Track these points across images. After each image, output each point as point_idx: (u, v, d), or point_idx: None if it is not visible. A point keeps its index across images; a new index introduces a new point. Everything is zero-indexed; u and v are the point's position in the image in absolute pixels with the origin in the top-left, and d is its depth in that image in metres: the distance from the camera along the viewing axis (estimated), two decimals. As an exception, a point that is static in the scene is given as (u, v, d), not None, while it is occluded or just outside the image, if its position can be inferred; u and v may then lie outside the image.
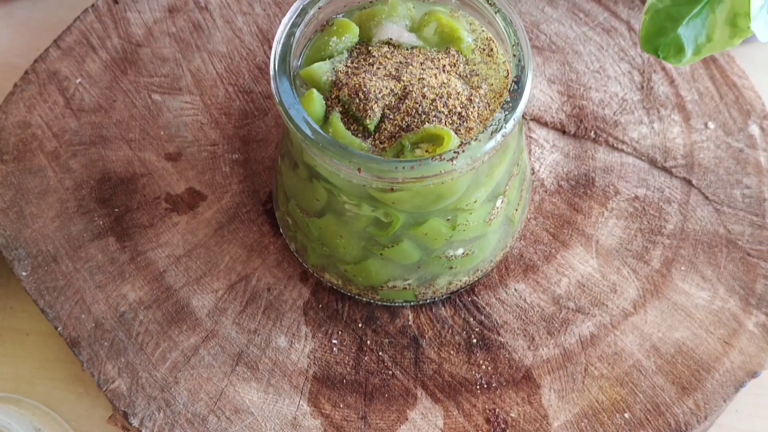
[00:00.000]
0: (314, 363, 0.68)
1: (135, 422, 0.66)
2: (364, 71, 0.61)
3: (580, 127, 0.74)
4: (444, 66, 0.61)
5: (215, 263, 0.71)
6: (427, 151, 0.59)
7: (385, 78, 0.60)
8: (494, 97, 0.61)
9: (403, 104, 0.60)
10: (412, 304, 0.69)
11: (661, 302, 0.70)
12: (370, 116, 0.60)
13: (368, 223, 0.62)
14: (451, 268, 0.66)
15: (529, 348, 0.68)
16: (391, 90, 0.60)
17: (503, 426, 0.66)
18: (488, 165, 0.61)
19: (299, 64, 0.63)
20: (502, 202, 0.64)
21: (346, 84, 0.60)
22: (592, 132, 0.74)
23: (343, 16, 0.63)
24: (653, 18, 0.65)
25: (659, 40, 0.65)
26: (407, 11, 0.63)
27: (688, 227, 0.72)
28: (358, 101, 0.60)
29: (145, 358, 0.68)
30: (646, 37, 0.65)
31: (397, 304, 0.69)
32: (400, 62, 0.61)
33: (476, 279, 0.69)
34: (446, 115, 0.60)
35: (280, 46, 0.61)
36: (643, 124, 0.75)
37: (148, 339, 0.68)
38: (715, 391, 0.67)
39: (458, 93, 0.60)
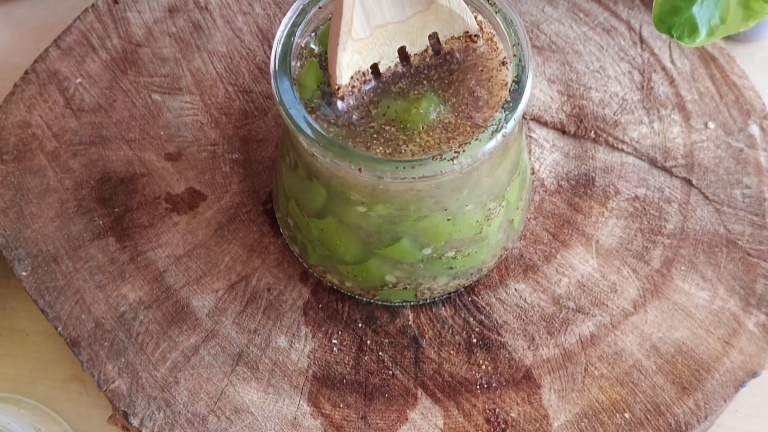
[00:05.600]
0: (314, 363, 0.68)
1: (135, 422, 0.66)
2: None
3: (580, 127, 0.75)
4: None
5: (215, 263, 0.71)
6: None
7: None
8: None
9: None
10: (412, 304, 0.69)
11: (661, 302, 0.70)
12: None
13: (375, 221, 0.62)
14: (451, 268, 0.66)
15: (529, 348, 0.68)
16: None
17: (503, 426, 0.66)
18: (488, 165, 0.61)
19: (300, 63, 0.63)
20: (502, 202, 0.64)
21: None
22: (592, 132, 0.74)
23: None
24: None
25: (673, 20, 0.64)
26: None
27: (688, 227, 0.72)
28: None
29: (145, 358, 0.68)
30: (659, 16, 0.65)
31: (397, 304, 0.69)
32: None
33: (476, 279, 0.69)
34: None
35: (280, 46, 0.61)
36: (643, 124, 0.75)
37: (148, 339, 0.68)
38: (715, 391, 0.67)
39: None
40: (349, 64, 0.59)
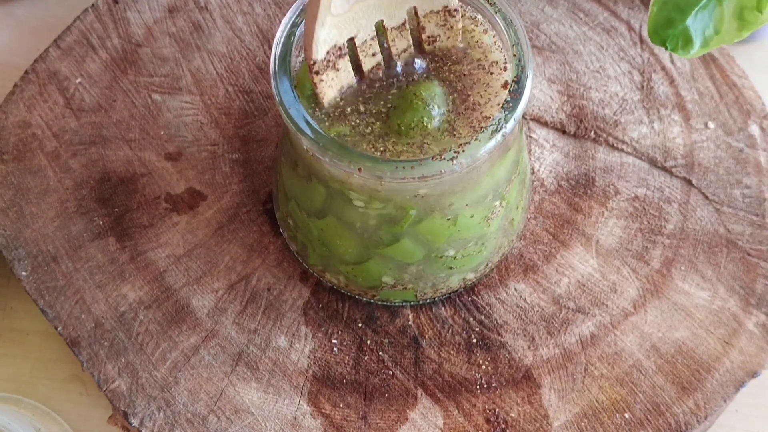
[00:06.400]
0: (314, 363, 0.68)
1: (135, 422, 0.66)
2: None
3: (580, 127, 0.75)
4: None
5: (215, 263, 0.71)
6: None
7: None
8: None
9: None
10: (412, 304, 0.69)
11: (661, 302, 0.70)
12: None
13: (375, 221, 0.62)
14: (451, 268, 0.66)
15: (529, 348, 0.68)
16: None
17: (503, 426, 0.66)
18: (488, 165, 0.61)
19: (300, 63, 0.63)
20: (502, 202, 0.64)
21: None
22: (592, 132, 0.74)
23: None
24: (661, 9, 0.65)
25: (667, 32, 0.64)
26: None
27: (688, 227, 0.72)
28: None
29: (145, 358, 0.68)
30: (653, 28, 0.65)
31: (397, 304, 0.69)
32: None
33: (476, 279, 0.69)
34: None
35: (280, 46, 0.61)
36: (643, 123, 0.75)
37: (148, 339, 0.68)
38: (715, 391, 0.67)
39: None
40: (326, 39, 0.58)
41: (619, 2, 0.79)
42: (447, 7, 0.61)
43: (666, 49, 0.65)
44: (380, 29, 0.60)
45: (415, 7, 0.60)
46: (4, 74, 0.79)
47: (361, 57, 0.60)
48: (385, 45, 0.61)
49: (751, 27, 0.65)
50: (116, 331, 0.68)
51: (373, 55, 0.60)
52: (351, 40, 0.59)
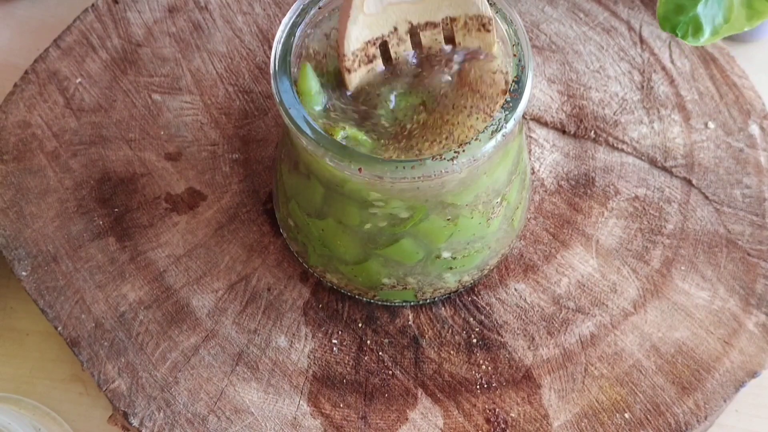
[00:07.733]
0: (314, 363, 0.68)
1: (135, 422, 0.66)
2: None
3: (580, 127, 0.75)
4: None
5: (215, 263, 0.71)
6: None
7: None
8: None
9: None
10: (412, 304, 0.69)
11: (661, 302, 0.70)
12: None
13: (376, 221, 0.62)
14: (451, 268, 0.66)
15: (529, 348, 0.68)
16: None
17: (503, 426, 0.66)
18: (488, 165, 0.61)
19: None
20: (502, 202, 0.64)
21: None
22: (592, 132, 0.74)
23: None
24: None
25: (677, 18, 0.64)
26: None
27: (688, 227, 0.72)
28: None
29: (145, 358, 0.68)
30: (664, 15, 0.65)
31: (397, 304, 0.69)
32: None
33: (476, 279, 0.69)
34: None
35: (280, 46, 0.61)
36: (643, 123, 0.75)
37: (148, 339, 0.68)
38: (715, 391, 0.67)
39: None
40: (358, 37, 0.58)
41: (619, 2, 0.79)
42: (480, 16, 0.60)
43: (676, 35, 0.64)
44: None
45: (449, 18, 0.60)
46: (4, 74, 0.79)
47: (390, 49, 0.60)
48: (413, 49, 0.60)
49: (761, 16, 0.64)
50: (116, 331, 0.68)
51: (399, 43, 0.60)
52: (385, 47, 0.59)
